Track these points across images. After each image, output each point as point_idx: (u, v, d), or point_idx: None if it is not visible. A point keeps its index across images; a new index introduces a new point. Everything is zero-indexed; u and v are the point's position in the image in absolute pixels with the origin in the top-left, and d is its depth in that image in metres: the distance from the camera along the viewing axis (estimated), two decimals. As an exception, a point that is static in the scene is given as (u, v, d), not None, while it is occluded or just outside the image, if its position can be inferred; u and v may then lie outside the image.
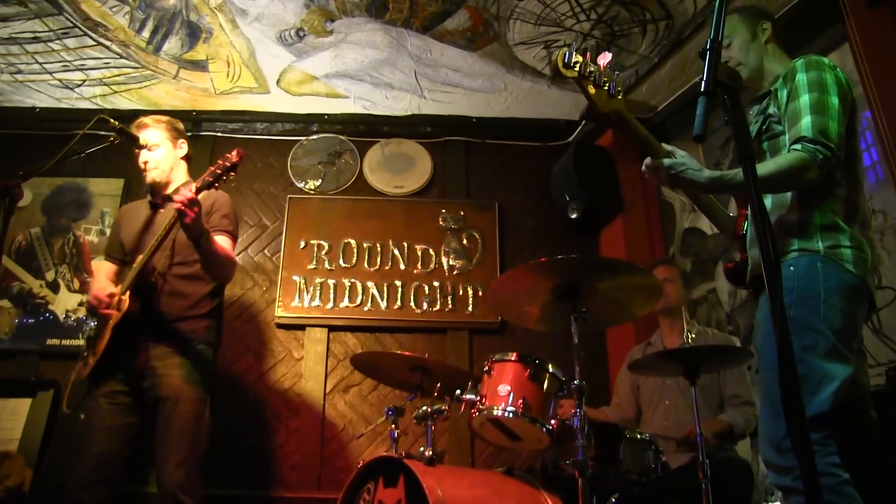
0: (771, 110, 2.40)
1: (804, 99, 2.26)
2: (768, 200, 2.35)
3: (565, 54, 2.25)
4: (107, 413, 3.17)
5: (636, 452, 3.02)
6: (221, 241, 3.35)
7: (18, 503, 4.02)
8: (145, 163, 3.47)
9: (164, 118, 3.60)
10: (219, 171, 2.99)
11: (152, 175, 3.47)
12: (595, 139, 5.28)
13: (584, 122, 5.28)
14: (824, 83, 2.28)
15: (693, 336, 3.49)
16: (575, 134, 5.37)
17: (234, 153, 3.00)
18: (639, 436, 3.07)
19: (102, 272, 3.57)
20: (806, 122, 2.21)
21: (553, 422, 2.88)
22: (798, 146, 2.18)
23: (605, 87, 2.35)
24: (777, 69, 2.50)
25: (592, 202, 4.78)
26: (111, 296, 3.22)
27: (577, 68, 2.28)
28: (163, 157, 3.50)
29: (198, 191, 2.99)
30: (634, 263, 3.11)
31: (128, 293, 3.19)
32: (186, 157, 3.64)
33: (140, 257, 3.22)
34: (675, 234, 4.76)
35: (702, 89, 1.62)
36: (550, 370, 3.01)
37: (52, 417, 4.47)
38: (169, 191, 3.48)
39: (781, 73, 2.42)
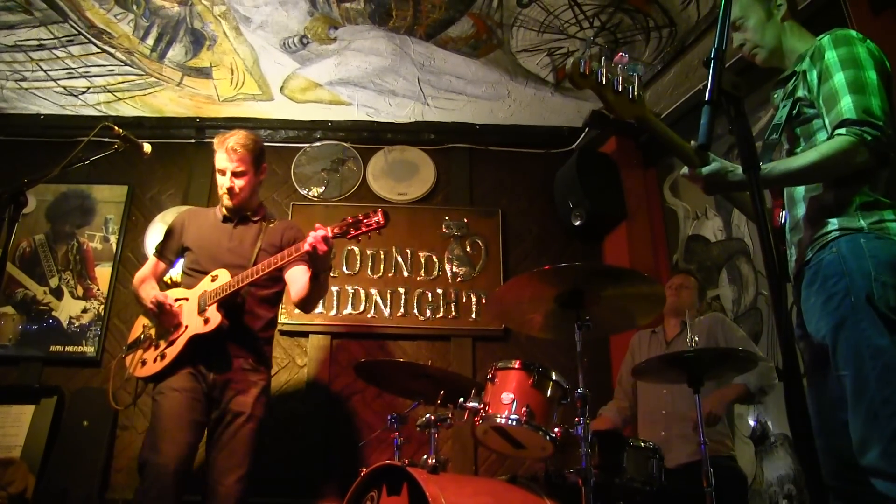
0: (800, 93, 2.24)
1: (839, 78, 2.10)
2: None
3: (580, 63, 2.01)
4: (189, 407, 3.15)
5: (640, 461, 3.01)
6: (306, 271, 3.38)
7: (21, 510, 4.04)
8: (230, 188, 3.41)
9: (253, 143, 3.49)
10: (363, 229, 3.07)
11: (234, 201, 3.43)
12: (598, 146, 5.29)
13: (587, 129, 5.28)
14: (858, 58, 2.12)
15: (696, 339, 3.50)
16: (578, 141, 5.37)
17: (381, 215, 3.05)
18: (642, 444, 3.07)
19: (151, 271, 3.55)
20: (846, 102, 2.05)
21: (556, 430, 2.87)
22: (842, 130, 2.02)
23: (626, 93, 2.13)
24: (799, 47, 2.34)
25: (596, 209, 4.77)
26: (178, 300, 3.29)
27: (593, 77, 2.05)
28: (247, 183, 3.45)
29: (334, 236, 3.06)
30: (638, 271, 3.09)
31: (216, 307, 3.20)
32: (260, 183, 3.60)
33: (226, 274, 3.26)
34: (678, 241, 4.75)
35: (706, 98, 1.61)
36: (554, 378, 3.00)
37: (55, 424, 4.47)
38: (247, 212, 3.50)
39: (805, 51, 2.27)
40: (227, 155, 3.39)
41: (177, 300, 3.29)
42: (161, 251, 3.58)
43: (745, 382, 3.44)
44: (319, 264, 3.19)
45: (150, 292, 3.35)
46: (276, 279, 3.42)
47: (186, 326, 3.23)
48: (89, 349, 4.84)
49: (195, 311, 3.24)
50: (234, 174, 3.40)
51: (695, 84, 4.61)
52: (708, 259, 4.42)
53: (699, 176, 2.14)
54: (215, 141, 3.48)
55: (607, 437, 3.04)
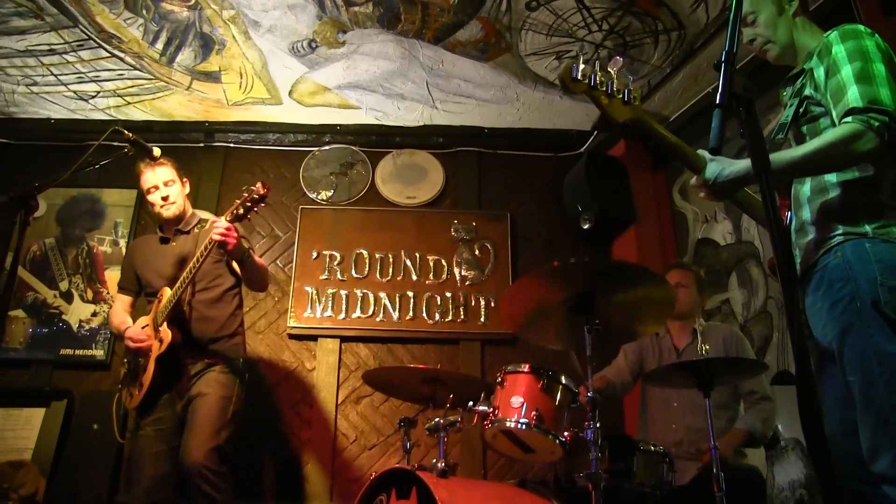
0: (808, 91, 2.20)
1: (846, 71, 2.05)
2: (806, 186, 2.20)
3: (572, 68, 2.09)
4: (153, 440, 3.36)
5: (650, 465, 3.00)
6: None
7: (32, 512, 4.05)
8: (165, 198, 3.61)
9: (171, 158, 3.71)
10: (248, 204, 3.19)
11: (171, 210, 3.63)
12: (607, 149, 5.28)
13: (596, 132, 5.28)
14: (866, 51, 2.07)
15: (703, 335, 3.47)
16: (587, 144, 5.36)
17: (260, 185, 3.17)
18: (653, 448, 3.05)
19: (120, 306, 3.75)
20: (853, 93, 2.00)
21: (566, 434, 2.87)
22: (848, 119, 1.97)
23: (620, 96, 2.20)
24: (810, 43, 2.29)
25: (605, 213, 4.70)
26: (144, 330, 3.43)
27: (585, 81, 2.12)
28: (178, 192, 3.67)
29: (230, 222, 3.22)
30: (647, 268, 3.08)
31: (165, 325, 3.36)
32: (188, 195, 3.80)
33: (168, 290, 3.43)
34: (688, 244, 4.73)
35: (717, 102, 1.60)
36: (563, 382, 2.99)
37: (65, 427, 4.50)
38: (181, 225, 3.67)
39: (814, 48, 2.22)
40: (151, 171, 3.61)
41: (143, 327, 3.45)
42: (122, 285, 3.81)
43: (751, 428, 3.41)
44: (236, 252, 3.33)
45: (121, 330, 3.54)
46: (217, 277, 3.59)
47: (151, 351, 3.40)
48: (99, 352, 4.86)
49: (154, 335, 3.41)
50: (165, 184, 3.61)
51: (704, 87, 4.61)
52: (717, 263, 4.40)
53: (705, 181, 2.14)
54: (140, 165, 3.63)
55: (618, 441, 3.02)
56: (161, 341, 3.34)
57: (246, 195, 3.18)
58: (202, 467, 3.15)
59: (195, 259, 3.33)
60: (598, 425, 2.70)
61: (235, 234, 3.24)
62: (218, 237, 3.18)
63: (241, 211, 3.19)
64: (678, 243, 4.84)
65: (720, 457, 2.89)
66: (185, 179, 3.77)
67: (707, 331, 3.63)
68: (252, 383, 3.66)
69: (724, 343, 3.61)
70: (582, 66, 2.13)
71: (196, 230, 3.63)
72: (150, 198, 3.65)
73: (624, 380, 3.86)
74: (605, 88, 2.17)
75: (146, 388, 3.35)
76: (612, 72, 2.18)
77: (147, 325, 3.46)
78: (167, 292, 3.44)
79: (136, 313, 3.68)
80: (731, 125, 1.66)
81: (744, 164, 2.07)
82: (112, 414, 3.70)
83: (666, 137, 2.23)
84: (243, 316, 3.75)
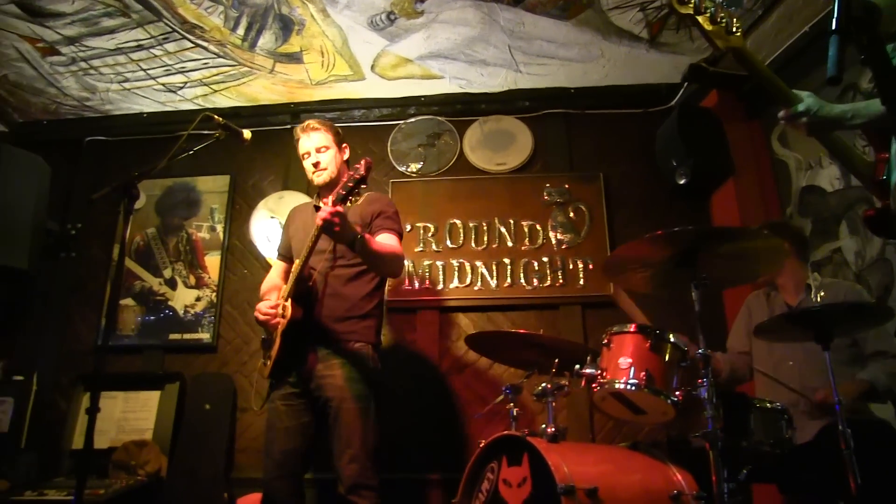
0: None
1: None
2: None
3: None
4: (283, 414, 3.37)
5: (768, 422, 2.90)
6: (386, 238, 3.48)
7: (158, 487, 4.23)
8: (316, 164, 3.57)
9: (329, 122, 3.69)
10: (350, 185, 3.06)
11: (322, 177, 3.57)
12: (698, 101, 5.09)
13: (685, 84, 5.10)
14: None
15: (822, 294, 3.32)
16: (677, 97, 5.19)
17: (362, 164, 3.05)
18: (769, 405, 2.95)
19: (274, 272, 3.78)
20: None
21: (678, 393, 2.80)
22: None
23: (723, 24, 2.18)
24: None
25: (700, 166, 4.61)
26: (274, 306, 3.38)
27: (691, 4, 2.14)
28: (331, 159, 3.59)
29: (335, 204, 3.08)
30: (755, 228, 2.98)
31: (289, 300, 3.32)
32: (347, 161, 3.71)
33: (297, 262, 3.37)
34: (790, 193, 4.54)
35: (832, 27, 1.51)
36: (672, 340, 2.93)
37: (179, 408, 4.67)
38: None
39: None
40: (306, 136, 3.59)
41: (274, 305, 3.41)
42: (278, 251, 3.82)
43: (874, 380, 3.19)
44: (343, 237, 3.17)
45: (258, 304, 3.49)
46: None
47: (279, 325, 3.36)
48: (205, 336, 5.00)
49: (281, 310, 3.37)
50: (318, 150, 3.57)
51: (798, 28, 4.36)
52: (825, 210, 4.21)
53: (796, 114, 2.07)
54: (297, 130, 3.64)
55: (732, 399, 2.93)
56: (284, 317, 3.32)
57: (350, 173, 3.10)
58: (357, 486, 3.17)
59: (312, 235, 3.27)
60: (711, 382, 2.64)
61: (339, 220, 3.08)
62: (319, 223, 3.10)
63: (344, 192, 3.10)
64: (781, 193, 4.65)
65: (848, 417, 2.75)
66: (344, 145, 3.70)
67: (823, 287, 3.47)
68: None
69: (845, 299, 3.37)
70: None
71: (350, 203, 3.29)
72: (304, 163, 3.63)
73: (736, 369, 3.71)
74: (709, 14, 2.17)
75: (273, 360, 3.34)
76: (716, 1, 2.17)
77: (278, 302, 3.42)
78: (296, 264, 3.38)
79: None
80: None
81: (841, 107, 2.05)
82: (253, 383, 3.77)
83: (764, 72, 2.18)
84: (383, 300, 3.63)
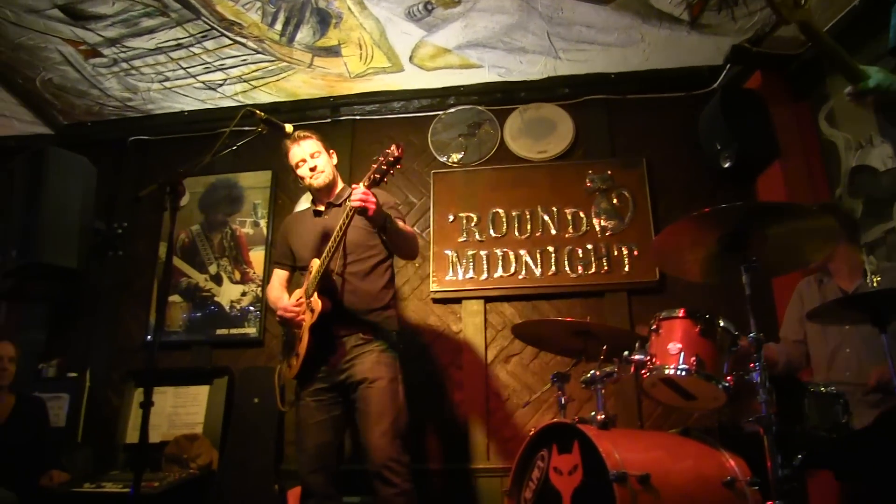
0: None
1: None
2: None
3: None
4: (314, 410, 3.49)
5: (823, 407, 2.85)
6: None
7: (210, 480, 4.29)
8: (313, 168, 3.71)
9: (313, 130, 3.85)
10: (384, 167, 3.19)
11: (321, 179, 3.72)
12: (742, 83, 4.99)
13: (728, 66, 5.00)
14: None
15: (878, 278, 3.25)
16: (720, 79, 5.08)
17: (395, 147, 3.17)
18: (823, 389, 2.89)
19: (276, 281, 3.88)
20: None
21: (729, 378, 2.77)
22: None
23: None
24: None
25: (745, 149, 4.54)
26: (299, 303, 3.50)
27: None
28: (326, 162, 3.76)
29: (368, 187, 3.23)
30: (805, 205, 2.91)
31: (316, 294, 3.41)
32: (336, 166, 3.88)
33: (317, 261, 3.48)
34: (840, 174, 4.44)
35: (896, -2, 1.47)
36: (722, 325, 2.89)
37: (228, 402, 4.73)
38: (332, 198, 3.75)
39: None
40: (297, 145, 3.72)
41: (297, 302, 3.51)
42: (277, 259, 3.95)
43: None
44: (377, 218, 3.33)
45: (276, 306, 3.64)
46: (368, 249, 3.61)
47: (304, 321, 3.45)
48: (251, 330, 5.05)
49: (306, 305, 3.45)
50: (311, 156, 3.71)
51: (848, 1, 4.24)
52: (877, 190, 4.10)
53: (866, 90, 2.01)
54: (286, 143, 3.75)
55: (785, 383, 2.88)
56: (312, 311, 3.40)
57: (381, 158, 3.20)
58: (389, 461, 3.25)
59: (338, 228, 3.37)
60: (764, 366, 2.60)
61: (374, 200, 3.24)
62: (357, 203, 3.21)
63: (378, 175, 3.21)
64: (830, 174, 4.55)
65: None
66: (331, 151, 3.86)
67: (880, 272, 3.39)
68: (403, 350, 3.70)
69: None
70: None
71: (347, 202, 3.62)
72: (299, 172, 3.75)
73: (792, 359, 3.63)
74: None
75: (302, 357, 3.42)
76: None
77: (301, 298, 3.53)
78: (316, 263, 3.50)
79: (291, 289, 3.77)
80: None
81: None
82: (274, 386, 3.82)
83: (831, 45, 2.11)
84: (395, 290, 3.78)
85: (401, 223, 3.58)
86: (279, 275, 3.87)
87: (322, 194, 3.77)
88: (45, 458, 4.08)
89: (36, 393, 4.49)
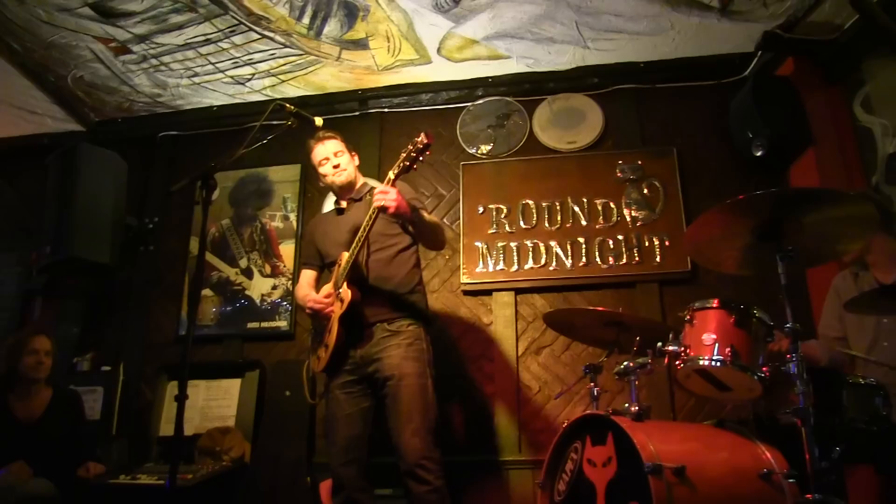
0: None
1: None
2: None
3: None
4: (343, 402, 3.53)
5: (861, 399, 2.80)
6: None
7: (242, 472, 4.32)
8: (336, 166, 3.79)
9: (335, 131, 3.95)
10: (414, 154, 3.24)
11: (342, 177, 3.80)
12: (774, 70, 4.92)
13: (760, 52, 4.93)
14: None
15: None
16: (751, 67, 5.01)
17: (423, 136, 3.21)
18: (862, 380, 2.85)
19: (305, 280, 3.93)
20: None
21: (764, 369, 2.74)
22: None
23: None
24: None
25: (778, 137, 4.48)
26: (328, 296, 3.55)
27: None
28: (348, 161, 3.85)
29: (396, 176, 3.30)
30: (841, 190, 2.86)
31: (345, 285, 3.46)
32: (362, 162, 4.03)
33: (346, 254, 3.52)
34: (876, 161, 4.36)
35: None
36: (757, 315, 2.86)
37: (260, 395, 4.76)
38: (353, 194, 3.83)
39: None
40: (321, 144, 3.82)
41: (327, 295, 3.56)
42: (304, 260, 4.05)
43: None
44: (401, 215, 3.38)
45: (305, 301, 3.68)
46: (390, 237, 3.66)
47: (333, 312, 3.49)
48: (282, 324, 5.08)
49: (336, 297, 3.50)
50: (335, 154, 3.80)
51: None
52: (917, 178, 4.03)
53: None
54: (310, 142, 3.86)
55: (822, 374, 2.84)
56: (342, 301, 3.43)
57: (411, 147, 3.23)
58: (422, 459, 3.27)
59: (364, 223, 3.42)
60: (801, 357, 2.56)
61: (395, 198, 3.27)
62: (379, 203, 3.26)
63: (408, 163, 3.25)
64: (865, 161, 4.47)
65: None
66: (353, 152, 3.94)
67: None
68: (432, 341, 3.70)
69: None
70: None
71: (368, 197, 3.70)
72: (321, 170, 3.83)
73: (834, 355, 3.53)
74: None
75: (332, 348, 3.45)
76: None
77: (329, 291, 3.57)
78: (344, 256, 3.53)
79: (319, 288, 3.81)
80: None
81: None
82: (303, 379, 3.87)
83: (883, 18, 2.05)
84: (422, 274, 3.82)
85: (425, 214, 3.62)
86: (307, 275, 3.93)
87: (344, 192, 3.84)
88: (82, 450, 4.13)
89: (71, 386, 4.54)
